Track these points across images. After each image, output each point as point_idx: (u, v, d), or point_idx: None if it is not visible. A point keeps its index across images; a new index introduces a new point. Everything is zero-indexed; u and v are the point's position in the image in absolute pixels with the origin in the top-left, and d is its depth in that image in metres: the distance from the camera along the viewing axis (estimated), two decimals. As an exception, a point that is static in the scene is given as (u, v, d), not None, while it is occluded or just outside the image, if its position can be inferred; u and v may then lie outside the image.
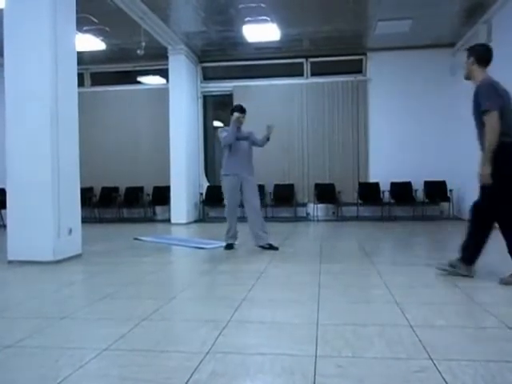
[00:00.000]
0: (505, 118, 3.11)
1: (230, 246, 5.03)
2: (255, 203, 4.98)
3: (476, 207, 3.36)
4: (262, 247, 4.91)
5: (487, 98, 3.13)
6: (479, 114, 3.19)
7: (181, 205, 8.64)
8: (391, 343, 2.02)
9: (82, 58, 7.51)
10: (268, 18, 7.20)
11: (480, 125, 3.22)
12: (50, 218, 4.38)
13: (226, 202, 5.20)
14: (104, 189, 9.61)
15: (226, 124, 5.53)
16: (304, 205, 9.24)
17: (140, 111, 9.70)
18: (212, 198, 9.28)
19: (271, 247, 4.90)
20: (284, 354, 1.92)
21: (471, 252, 3.36)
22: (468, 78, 3.42)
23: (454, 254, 3.45)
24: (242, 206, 5.05)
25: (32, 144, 4.39)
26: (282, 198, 9.03)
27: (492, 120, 3.08)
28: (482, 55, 3.35)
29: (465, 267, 3.37)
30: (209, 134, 10.28)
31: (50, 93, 4.39)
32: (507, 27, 6.46)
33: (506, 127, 3.12)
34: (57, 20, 4.48)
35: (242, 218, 5.11)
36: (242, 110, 4.98)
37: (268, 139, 5.04)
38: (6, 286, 3.59)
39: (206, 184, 9.73)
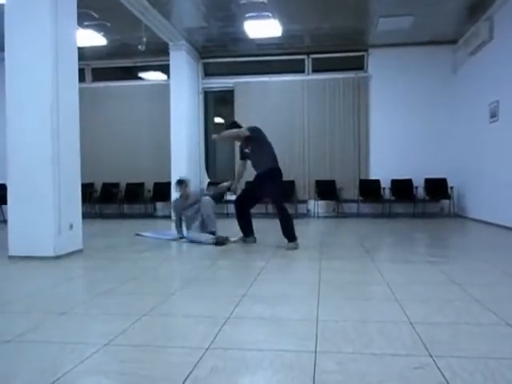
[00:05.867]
0: None
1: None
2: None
3: None
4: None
5: None
6: None
7: (181, 201, 8.63)
8: (391, 340, 2.02)
9: (83, 54, 7.51)
10: (269, 14, 7.18)
11: None
12: (51, 213, 4.38)
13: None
14: (105, 184, 9.62)
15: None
16: (305, 201, 9.24)
17: (141, 107, 9.69)
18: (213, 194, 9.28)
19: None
20: (284, 349, 1.92)
21: None
22: None
23: (454, 251, 3.45)
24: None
25: (33, 139, 4.39)
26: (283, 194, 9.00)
27: None
28: None
29: None
30: (209, 130, 10.26)
31: (50, 88, 4.38)
32: (509, 24, 6.43)
33: None
34: (58, 15, 4.46)
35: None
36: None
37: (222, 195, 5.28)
38: (7, 281, 3.59)
39: (206, 180, 9.73)
